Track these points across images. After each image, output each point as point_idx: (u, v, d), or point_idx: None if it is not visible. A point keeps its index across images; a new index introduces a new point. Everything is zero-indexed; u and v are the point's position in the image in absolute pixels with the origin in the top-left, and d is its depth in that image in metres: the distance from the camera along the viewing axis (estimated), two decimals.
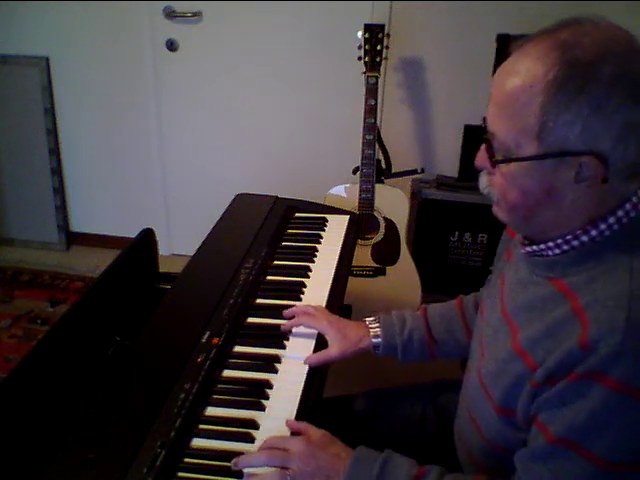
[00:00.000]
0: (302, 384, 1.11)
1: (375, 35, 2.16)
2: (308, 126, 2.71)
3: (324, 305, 1.32)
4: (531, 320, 0.87)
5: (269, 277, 1.43)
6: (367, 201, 2.18)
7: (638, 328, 0.74)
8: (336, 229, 1.63)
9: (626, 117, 0.77)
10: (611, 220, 0.83)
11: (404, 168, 2.41)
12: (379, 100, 2.22)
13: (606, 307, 0.77)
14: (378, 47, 2.16)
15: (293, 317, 1.25)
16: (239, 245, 1.50)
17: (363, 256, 2.20)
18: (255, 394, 1.08)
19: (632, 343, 0.74)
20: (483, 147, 0.88)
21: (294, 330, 1.24)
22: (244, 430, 1.00)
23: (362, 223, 2.18)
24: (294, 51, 2.60)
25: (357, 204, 2.19)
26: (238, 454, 0.95)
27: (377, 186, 2.20)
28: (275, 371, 1.13)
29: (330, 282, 1.41)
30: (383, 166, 2.39)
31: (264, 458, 0.94)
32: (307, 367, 1.16)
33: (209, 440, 0.99)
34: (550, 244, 0.87)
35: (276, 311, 1.28)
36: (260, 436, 0.99)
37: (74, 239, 3.14)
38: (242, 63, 2.65)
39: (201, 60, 2.67)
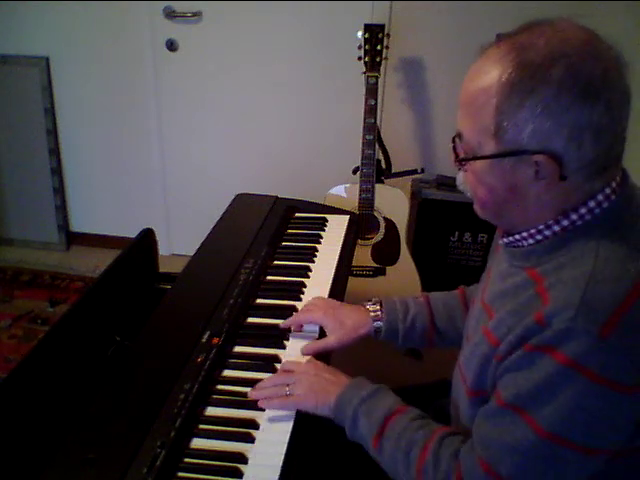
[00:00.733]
0: None
1: (375, 35, 2.16)
2: (308, 126, 2.71)
3: None
4: (504, 305, 0.90)
5: (269, 277, 1.43)
6: (367, 201, 2.18)
7: (590, 306, 0.77)
8: (336, 229, 1.64)
9: (577, 117, 0.78)
10: (582, 210, 0.85)
11: (404, 168, 2.41)
12: (379, 100, 2.21)
13: (566, 287, 0.80)
14: (378, 47, 2.16)
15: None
16: (239, 245, 1.50)
17: (363, 256, 2.20)
18: None
19: (583, 321, 0.76)
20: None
21: (294, 329, 1.24)
22: (244, 430, 1.00)
23: (362, 223, 2.18)
24: (294, 51, 2.59)
25: (357, 204, 2.18)
26: (238, 454, 0.95)
27: (377, 186, 2.19)
28: (275, 371, 1.13)
29: (330, 282, 1.41)
30: (383, 166, 2.38)
31: (272, 379, 1.07)
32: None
33: (209, 440, 0.99)
34: (524, 234, 0.91)
35: (276, 311, 1.29)
36: (260, 436, 0.99)
37: (74, 239, 3.13)
38: (242, 63, 2.64)
39: (201, 60, 2.67)
